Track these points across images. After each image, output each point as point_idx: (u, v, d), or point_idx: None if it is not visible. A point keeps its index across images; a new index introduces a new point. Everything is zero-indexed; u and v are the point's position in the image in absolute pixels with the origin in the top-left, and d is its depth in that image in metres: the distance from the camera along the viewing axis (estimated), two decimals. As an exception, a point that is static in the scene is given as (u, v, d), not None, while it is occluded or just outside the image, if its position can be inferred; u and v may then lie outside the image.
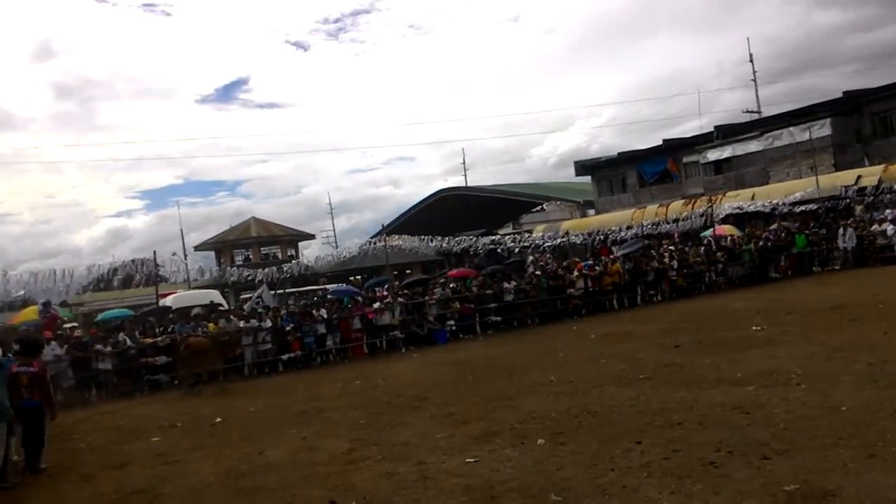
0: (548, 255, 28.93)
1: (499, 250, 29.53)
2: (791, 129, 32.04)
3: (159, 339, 15.82)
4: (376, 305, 17.99)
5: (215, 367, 14.53)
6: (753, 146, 33.93)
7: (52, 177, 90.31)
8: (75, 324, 21.84)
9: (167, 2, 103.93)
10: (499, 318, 19.07)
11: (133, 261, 21.00)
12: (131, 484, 7.36)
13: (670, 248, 24.29)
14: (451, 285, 20.14)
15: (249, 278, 24.84)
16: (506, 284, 19.79)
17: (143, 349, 15.50)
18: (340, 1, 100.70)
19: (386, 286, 21.71)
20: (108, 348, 15.20)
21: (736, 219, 29.44)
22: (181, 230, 56.21)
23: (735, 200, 31.02)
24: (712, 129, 36.74)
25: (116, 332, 16.02)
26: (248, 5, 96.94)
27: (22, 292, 19.80)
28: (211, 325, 16.40)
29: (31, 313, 19.78)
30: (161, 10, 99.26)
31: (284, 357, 16.45)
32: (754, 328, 12.56)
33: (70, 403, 13.09)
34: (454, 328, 18.43)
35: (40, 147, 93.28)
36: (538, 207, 54.79)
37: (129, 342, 15.48)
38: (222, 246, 50.57)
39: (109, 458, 8.86)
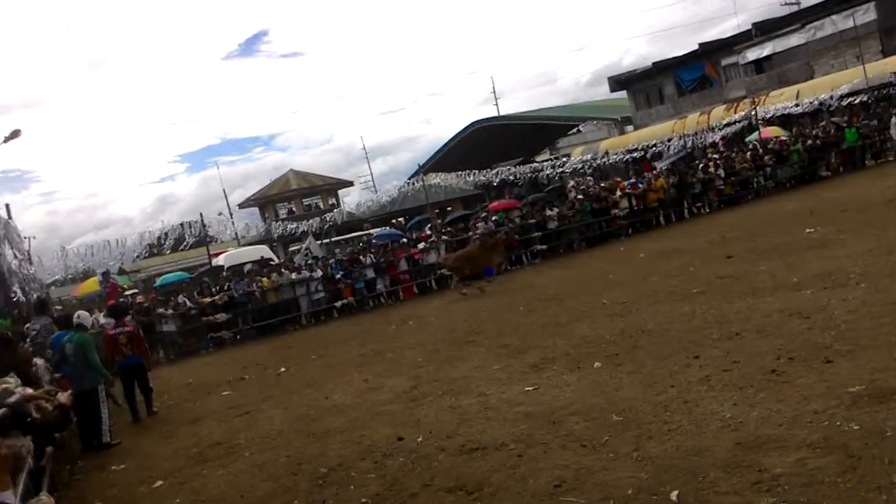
0: (588, 178, 28.48)
1: (538, 178, 29.16)
2: (833, 17, 30.30)
3: (217, 297, 16.31)
4: (421, 246, 18.12)
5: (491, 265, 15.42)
6: (795, 40, 32.27)
7: (92, 149, 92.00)
8: (136, 290, 22.66)
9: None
10: (544, 247, 19.03)
11: (181, 224, 21.49)
12: (209, 437, 7.75)
13: (714, 156, 23.65)
14: (494, 218, 20.08)
15: (294, 231, 25.21)
16: (548, 212, 19.66)
17: (203, 309, 16.03)
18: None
19: (429, 226, 21.78)
20: (170, 311, 15.77)
21: (782, 119, 28.35)
22: (223, 190, 57.24)
23: (779, 100, 29.79)
24: (750, 27, 35.02)
25: (176, 294, 16.58)
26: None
27: (81, 265, 20.48)
28: (264, 279, 16.80)
29: (92, 284, 20.56)
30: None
31: (338, 304, 16.83)
32: (808, 230, 12.23)
33: (149, 366, 13.70)
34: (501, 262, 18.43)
35: (77, 121, 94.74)
36: (574, 129, 53.64)
37: (188, 303, 16.02)
38: (265, 201, 51.15)
39: (185, 414, 9.34)
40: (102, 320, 13.38)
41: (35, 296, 14.21)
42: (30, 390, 5.01)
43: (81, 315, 9.06)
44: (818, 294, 7.69)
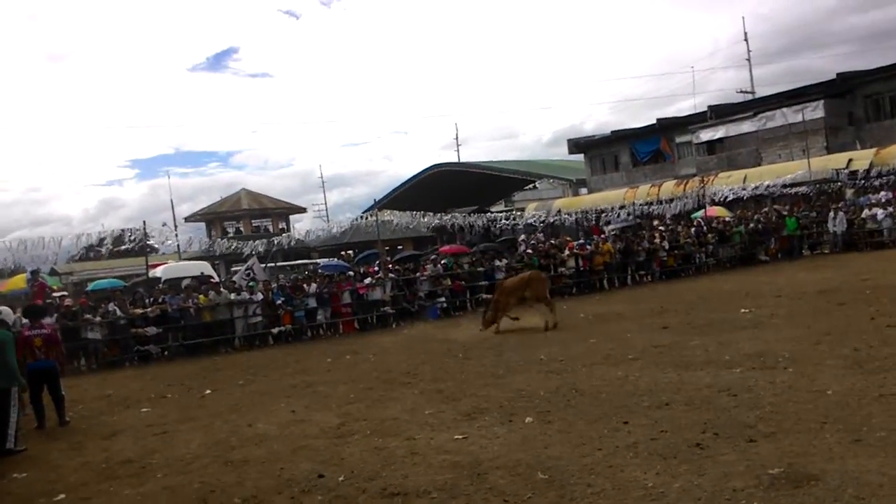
0: (539, 234, 28.95)
1: (491, 228, 29.51)
2: (784, 109, 32.02)
3: (149, 309, 15.77)
4: (367, 281, 17.99)
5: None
6: (746, 127, 33.91)
7: (42, 144, 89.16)
8: (65, 293, 21.78)
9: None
10: (489, 296, 19.07)
11: (123, 230, 20.91)
12: (121, 453, 7.39)
13: (661, 228, 24.36)
14: (443, 262, 20.14)
15: (240, 250, 24.78)
16: (497, 262, 19.82)
17: (132, 320, 15.46)
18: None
19: (377, 262, 21.70)
20: (98, 318, 15.15)
21: (727, 201, 29.50)
22: (171, 200, 56.00)
23: (727, 182, 31.06)
24: (706, 109, 36.67)
25: (107, 302, 15.96)
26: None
27: (11, 260, 19.67)
28: (201, 296, 16.36)
29: (19, 281, 19.71)
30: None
31: (275, 330, 16.47)
32: (743, 310, 12.64)
33: (63, 372, 13.06)
34: (445, 305, 18.48)
35: (30, 114, 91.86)
36: (531, 185, 54.70)
37: (118, 312, 15.43)
38: (213, 217, 50.28)
39: (99, 428, 8.91)
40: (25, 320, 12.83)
41: None
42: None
43: (3, 311, 8.66)
44: (747, 373, 7.90)
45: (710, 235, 23.02)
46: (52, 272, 34.68)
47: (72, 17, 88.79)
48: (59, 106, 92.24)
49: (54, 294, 18.45)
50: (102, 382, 12.83)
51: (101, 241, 22.17)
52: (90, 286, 22.96)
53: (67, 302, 16.10)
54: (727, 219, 25.27)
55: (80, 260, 44.66)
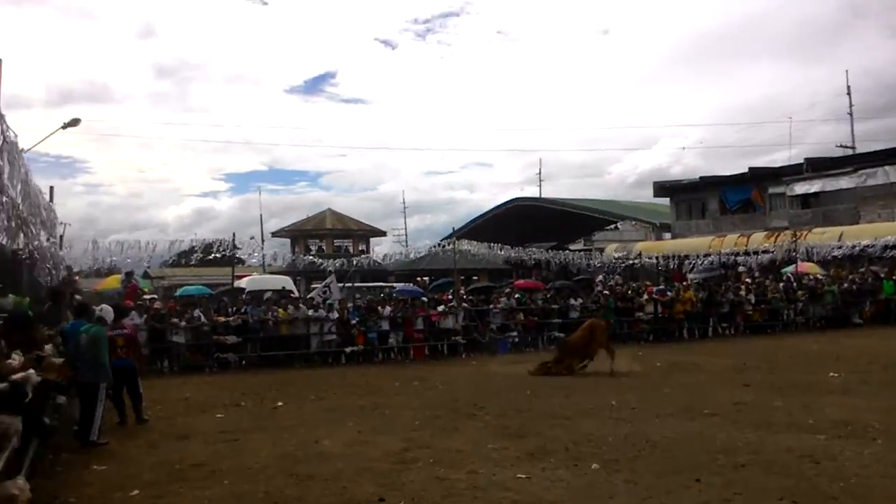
0: (618, 276, 28.41)
1: (569, 266, 29.18)
2: (887, 168, 30.38)
3: (231, 318, 16.38)
4: (440, 308, 18.09)
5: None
6: (845, 182, 32.34)
7: (145, 152, 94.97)
8: (155, 296, 22.89)
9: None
10: (561, 335, 18.84)
11: (213, 240, 21.85)
12: (193, 456, 7.66)
13: (748, 280, 23.46)
14: (517, 296, 20.05)
15: (321, 268, 25.41)
16: (572, 301, 19.58)
17: (215, 327, 16.08)
18: (431, 2, 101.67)
19: (451, 290, 21.80)
20: (183, 322, 15.84)
21: (821, 259, 28.14)
22: (260, 215, 58.18)
23: (821, 238, 29.66)
24: (802, 161, 35.22)
25: (192, 307, 16.68)
26: (344, 0, 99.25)
27: (109, 260, 20.82)
28: (280, 310, 16.86)
29: (114, 282, 20.83)
30: (260, 0, 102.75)
31: (348, 350, 16.74)
32: (831, 374, 11.99)
33: (142, 372, 13.70)
34: (516, 340, 18.34)
35: (136, 123, 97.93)
36: (612, 226, 53.85)
37: (202, 319, 16.09)
38: (298, 234, 51.84)
39: (175, 429, 9.26)
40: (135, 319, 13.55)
41: (76, 298, 14.45)
42: (32, 371, 5.03)
43: (104, 309, 9.18)
44: (832, 441, 7.46)
45: (800, 292, 22.00)
46: (146, 275, 36.53)
47: (180, 33, 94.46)
48: (163, 116, 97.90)
49: (145, 296, 19.40)
50: (182, 385, 13.36)
51: (192, 249, 23.24)
52: (178, 291, 24.06)
53: (156, 305, 16.90)
54: (819, 276, 24.10)
55: (172, 266, 46.87)
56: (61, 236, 16.68)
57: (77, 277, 23.93)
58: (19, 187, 7.67)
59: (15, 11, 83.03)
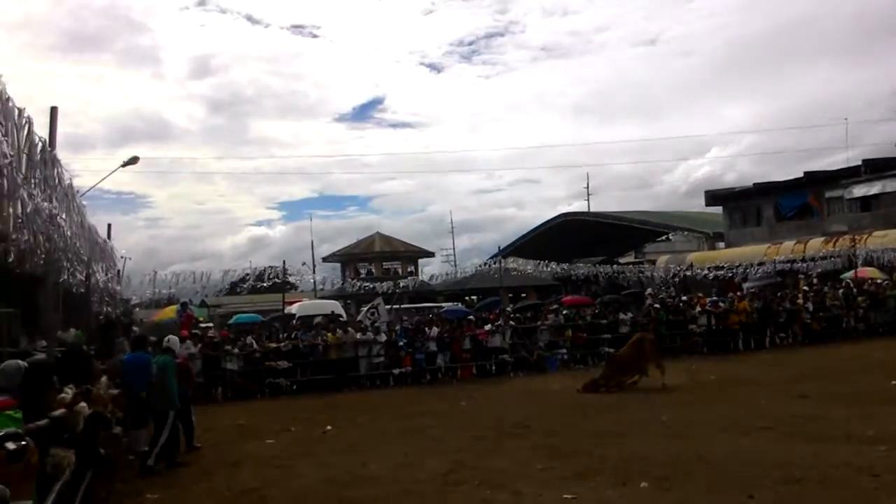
0: (670, 288, 27.88)
1: (618, 279, 28.79)
2: (949, 166, 29.12)
3: (282, 344, 16.69)
4: (487, 327, 18.06)
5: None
6: (906, 183, 31.10)
7: (202, 186, 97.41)
8: (211, 324, 23.52)
9: (315, 23, 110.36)
10: (612, 350, 18.55)
11: (266, 268, 22.36)
12: (243, 482, 7.83)
13: (805, 288, 22.72)
14: (564, 312, 19.86)
15: (370, 291, 25.70)
16: (622, 315, 19.29)
17: (267, 353, 16.40)
18: (475, 23, 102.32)
19: (498, 309, 21.75)
20: (236, 350, 16.21)
21: (882, 262, 27.03)
22: (311, 242, 59.16)
23: (882, 241, 28.50)
24: (860, 163, 34.03)
25: (245, 335, 17.06)
26: (387, 28, 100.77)
27: (168, 291, 21.50)
28: (329, 334, 17.10)
29: (170, 312, 21.47)
30: (308, 32, 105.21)
31: (396, 371, 16.83)
32: (894, 382, 11.48)
33: (197, 399, 14.05)
34: (565, 357, 18.15)
35: (194, 158, 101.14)
36: (663, 237, 52.90)
37: (255, 345, 16.44)
38: (348, 258, 52.56)
39: (227, 456, 9.47)
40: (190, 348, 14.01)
41: (133, 330, 14.99)
42: (84, 405, 5.24)
43: (171, 339, 9.49)
44: (893, 453, 7.15)
45: (860, 298, 21.16)
46: (203, 304, 37.49)
47: (233, 69, 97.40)
48: (219, 151, 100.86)
49: (201, 325, 19.97)
50: (235, 412, 13.64)
51: (246, 277, 23.81)
52: (232, 320, 24.66)
53: (211, 333, 17.35)
54: (880, 281, 23.15)
55: (228, 294, 48.04)
56: (119, 271, 17.30)
57: (137, 309, 24.84)
58: (74, 228, 8.03)
59: (78, 58, 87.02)
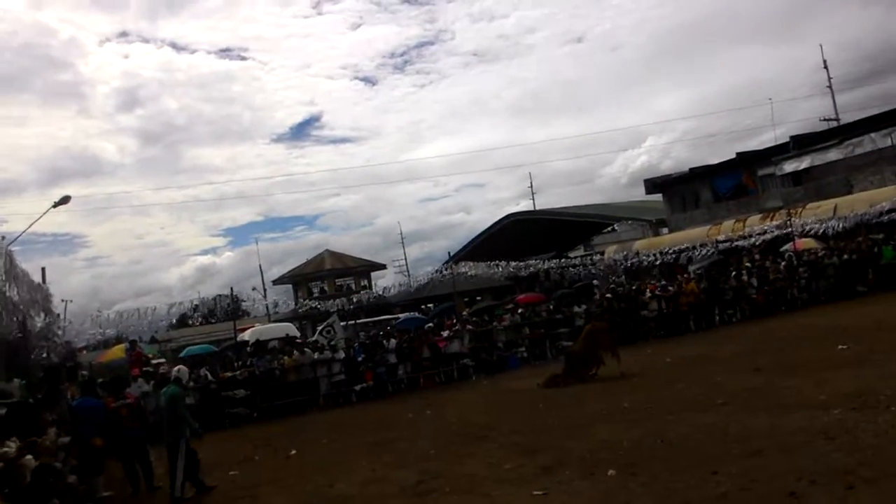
0: (620, 277, 28.33)
1: (566, 274, 29.13)
2: (872, 135, 30.40)
3: (238, 372, 16.31)
4: (445, 334, 18.04)
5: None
6: (833, 155, 32.34)
7: (141, 219, 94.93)
8: (163, 360, 22.83)
9: (242, 45, 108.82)
10: (569, 343, 18.75)
11: (214, 298, 21.88)
12: (209, 518, 7.58)
13: (748, 264, 23.41)
14: (520, 311, 19.99)
15: (323, 310, 25.37)
16: (576, 308, 19.53)
17: (223, 383, 16.00)
18: (405, 34, 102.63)
19: (454, 314, 21.76)
20: (191, 383, 15.76)
21: (818, 233, 28.05)
22: (260, 265, 58.28)
23: (816, 212, 29.59)
24: (788, 140, 35.34)
25: (199, 367, 16.62)
26: (317, 45, 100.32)
27: (114, 331, 20.83)
28: (286, 357, 16.81)
29: (118, 351, 20.81)
30: (236, 55, 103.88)
31: (357, 387, 16.66)
32: (840, 347, 11.90)
33: (155, 438, 13.60)
34: (525, 355, 18.26)
35: (130, 192, 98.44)
36: (609, 228, 53.86)
37: (209, 377, 16.03)
38: (299, 279, 51.87)
39: (189, 492, 9.15)
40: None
41: (81, 374, 14.44)
42: (29, 457, 5.01)
43: (181, 370, 9.40)
44: (846, 414, 7.40)
45: (801, 269, 21.92)
46: (153, 340, 36.51)
47: (163, 99, 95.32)
48: (156, 182, 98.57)
49: (152, 362, 19.36)
50: (195, 446, 13.22)
51: (195, 308, 23.24)
52: (183, 352, 24.02)
53: (162, 370, 16.83)
54: (819, 250, 24.03)
55: (180, 327, 46.84)
56: (59, 315, 16.66)
57: (84, 352, 23.96)
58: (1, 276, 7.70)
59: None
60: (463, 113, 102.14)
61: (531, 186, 59.17)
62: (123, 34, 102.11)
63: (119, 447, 9.24)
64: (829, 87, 41.97)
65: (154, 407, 14.86)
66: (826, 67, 42.06)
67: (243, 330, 24.34)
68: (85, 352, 24.42)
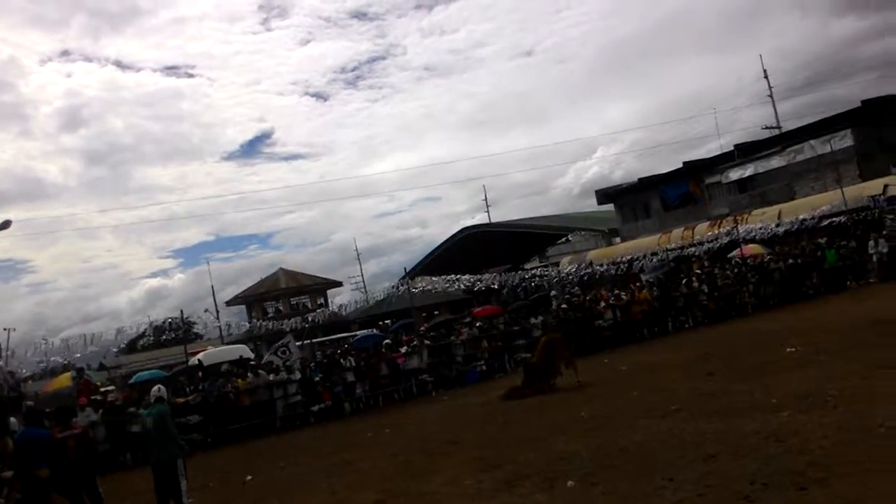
0: (575, 287, 28.66)
1: (523, 285, 29.37)
2: (812, 142, 31.60)
3: (190, 397, 15.89)
4: (403, 350, 17.93)
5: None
6: (775, 162, 33.51)
7: (87, 243, 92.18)
8: (112, 387, 22.09)
9: (189, 62, 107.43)
10: (528, 355, 18.83)
11: (164, 321, 21.32)
12: (163, 549, 7.32)
13: (698, 271, 23.94)
14: (478, 324, 20.02)
15: (277, 329, 24.98)
16: (532, 320, 19.64)
17: (174, 409, 15.54)
18: (356, 49, 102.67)
19: (412, 330, 21.67)
20: (142, 410, 15.27)
21: (764, 238, 28.92)
22: (211, 287, 57.09)
23: (761, 219, 30.53)
24: (732, 149, 36.43)
25: (148, 394, 16.09)
26: (266, 61, 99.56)
27: (61, 359, 20.13)
28: (239, 380, 16.45)
29: (64, 380, 20.08)
30: (184, 72, 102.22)
31: (315, 408, 16.39)
32: (788, 349, 12.23)
33: (105, 468, 13.13)
34: (484, 368, 18.27)
35: (75, 214, 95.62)
36: (563, 239, 54.56)
37: (161, 403, 15.54)
38: (253, 299, 51.06)
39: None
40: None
41: (26, 404, 13.84)
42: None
43: (162, 389, 9.22)
44: (795, 416, 7.58)
45: (749, 274, 22.51)
46: (101, 367, 35.33)
47: (107, 118, 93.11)
48: (102, 204, 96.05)
49: (101, 390, 18.72)
50: (148, 476, 12.79)
51: (143, 333, 22.64)
52: (132, 379, 23.29)
53: (111, 397, 16.30)
54: (765, 255, 24.74)
55: (130, 352, 45.52)
56: (2, 344, 16.04)
57: (30, 381, 23.05)
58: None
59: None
60: (416, 127, 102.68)
61: (486, 199, 59.55)
62: (65, 53, 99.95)
63: (65, 479, 8.83)
64: (770, 95, 43.45)
65: (103, 437, 14.48)
66: (766, 77, 43.57)
67: (195, 353, 23.76)
68: (30, 381, 23.52)
